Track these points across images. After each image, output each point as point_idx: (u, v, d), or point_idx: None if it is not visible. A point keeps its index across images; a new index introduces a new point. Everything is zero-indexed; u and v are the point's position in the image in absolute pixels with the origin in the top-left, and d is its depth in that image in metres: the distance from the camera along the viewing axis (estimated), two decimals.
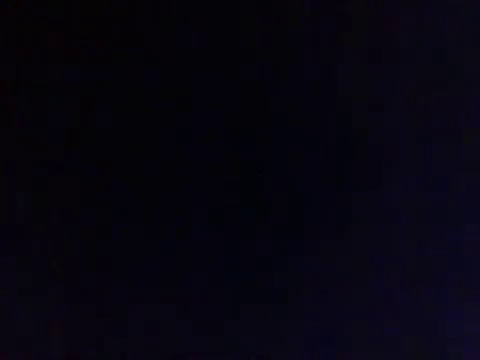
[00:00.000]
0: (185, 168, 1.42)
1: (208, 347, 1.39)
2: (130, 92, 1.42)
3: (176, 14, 1.42)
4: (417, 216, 1.41)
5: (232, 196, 1.41)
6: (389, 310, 1.39)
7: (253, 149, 1.42)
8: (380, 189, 1.41)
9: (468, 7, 1.41)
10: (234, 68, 1.42)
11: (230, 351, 1.39)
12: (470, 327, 1.39)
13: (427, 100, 1.42)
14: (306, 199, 1.41)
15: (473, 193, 1.41)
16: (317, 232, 1.40)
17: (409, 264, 1.40)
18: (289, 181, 1.41)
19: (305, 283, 1.40)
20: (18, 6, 1.42)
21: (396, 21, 1.42)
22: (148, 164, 1.42)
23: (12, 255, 1.40)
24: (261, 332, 1.40)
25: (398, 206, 1.41)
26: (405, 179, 1.41)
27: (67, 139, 1.42)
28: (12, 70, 1.42)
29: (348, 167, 1.41)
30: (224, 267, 1.40)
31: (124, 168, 1.42)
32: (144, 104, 1.42)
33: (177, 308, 1.40)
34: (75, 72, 1.42)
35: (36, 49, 1.42)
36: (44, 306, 1.40)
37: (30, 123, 1.42)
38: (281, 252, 1.40)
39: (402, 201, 1.41)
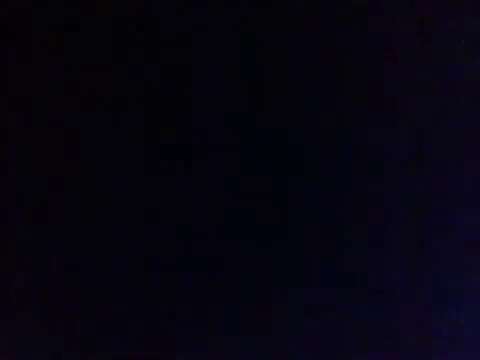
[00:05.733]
0: (185, 167, 1.42)
1: (208, 347, 1.40)
2: (129, 91, 1.42)
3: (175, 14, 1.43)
4: (416, 215, 1.41)
5: (231, 196, 1.41)
6: (389, 308, 1.40)
7: (252, 148, 1.42)
8: (380, 189, 1.41)
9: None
10: (234, 68, 1.42)
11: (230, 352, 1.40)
12: (470, 327, 1.39)
13: (427, 99, 1.42)
14: (305, 199, 1.41)
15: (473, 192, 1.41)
16: (316, 231, 1.41)
17: (409, 263, 1.40)
18: (288, 181, 1.42)
19: (304, 283, 1.40)
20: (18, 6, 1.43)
21: (396, 22, 1.42)
22: (147, 164, 1.42)
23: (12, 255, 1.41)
24: (261, 333, 1.40)
25: (398, 205, 1.41)
26: (405, 178, 1.41)
27: (66, 139, 1.42)
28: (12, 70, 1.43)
29: (347, 167, 1.41)
30: (223, 267, 1.40)
31: (123, 167, 1.42)
32: (143, 103, 1.43)
33: (177, 308, 1.40)
34: (74, 72, 1.42)
35: (36, 49, 1.43)
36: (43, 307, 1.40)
37: (29, 122, 1.42)
38: (280, 252, 1.41)
39: (402, 200, 1.41)
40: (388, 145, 1.42)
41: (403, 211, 1.41)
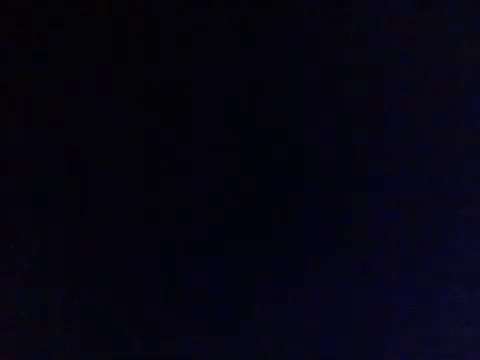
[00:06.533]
0: (185, 167, 1.42)
1: (208, 347, 1.40)
2: (129, 91, 1.42)
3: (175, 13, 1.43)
4: (416, 215, 1.41)
5: (231, 196, 1.41)
6: (389, 308, 1.40)
7: (252, 149, 1.42)
8: (380, 189, 1.41)
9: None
10: (234, 68, 1.42)
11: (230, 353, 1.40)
12: (469, 326, 1.39)
13: (426, 100, 1.42)
14: (305, 199, 1.41)
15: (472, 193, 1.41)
16: (316, 231, 1.41)
17: (409, 263, 1.40)
18: (288, 181, 1.42)
19: (304, 284, 1.40)
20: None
21: (396, 24, 1.43)
22: (147, 164, 1.42)
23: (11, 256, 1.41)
24: (261, 333, 1.40)
25: (397, 206, 1.41)
26: (404, 179, 1.41)
27: (65, 139, 1.42)
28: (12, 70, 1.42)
29: (347, 167, 1.41)
30: (223, 266, 1.40)
31: (123, 167, 1.42)
32: (143, 103, 1.43)
33: (177, 308, 1.40)
34: (74, 72, 1.42)
35: (36, 49, 1.43)
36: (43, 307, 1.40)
37: (30, 123, 1.42)
38: (280, 252, 1.41)
39: (401, 201, 1.41)
40: (388, 145, 1.42)
41: (403, 211, 1.41)
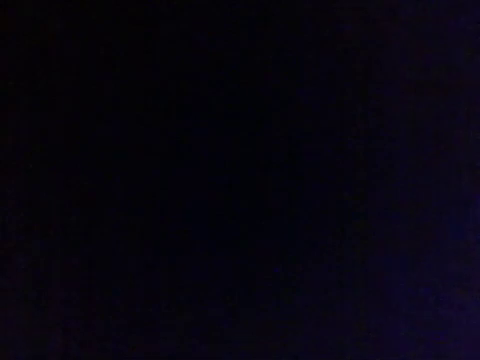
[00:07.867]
0: (184, 167, 1.42)
1: (208, 347, 1.40)
2: (129, 92, 1.42)
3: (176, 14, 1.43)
4: (416, 216, 1.41)
5: (231, 197, 1.41)
6: (389, 309, 1.40)
7: (253, 149, 1.42)
8: (380, 189, 1.41)
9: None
10: (234, 68, 1.42)
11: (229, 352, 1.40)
12: (469, 327, 1.39)
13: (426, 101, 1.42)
14: (305, 199, 1.41)
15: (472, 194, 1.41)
16: (317, 232, 1.41)
17: (409, 263, 1.40)
18: (288, 182, 1.42)
19: (304, 284, 1.40)
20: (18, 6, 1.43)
21: (396, 24, 1.43)
22: (147, 163, 1.42)
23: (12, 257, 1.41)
24: (261, 333, 1.40)
25: (397, 207, 1.41)
26: (404, 180, 1.41)
27: (65, 139, 1.42)
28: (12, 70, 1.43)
29: (347, 168, 1.41)
30: (223, 267, 1.40)
31: (123, 167, 1.42)
32: (143, 104, 1.43)
33: (176, 308, 1.40)
34: (74, 72, 1.42)
35: (36, 49, 1.43)
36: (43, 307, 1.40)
37: (29, 123, 1.42)
38: (280, 252, 1.41)
39: (401, 202, 1.41)
40: (388, 145, 1.42)
41: (403, 211, 1.41)
